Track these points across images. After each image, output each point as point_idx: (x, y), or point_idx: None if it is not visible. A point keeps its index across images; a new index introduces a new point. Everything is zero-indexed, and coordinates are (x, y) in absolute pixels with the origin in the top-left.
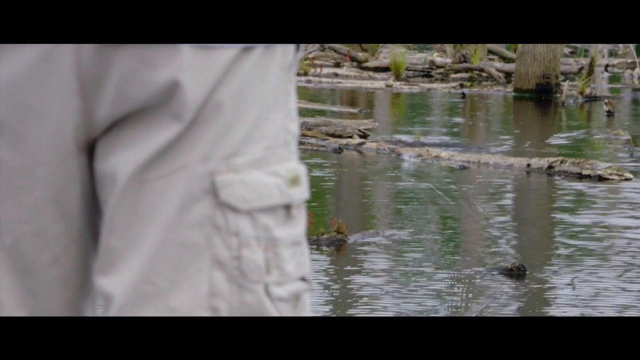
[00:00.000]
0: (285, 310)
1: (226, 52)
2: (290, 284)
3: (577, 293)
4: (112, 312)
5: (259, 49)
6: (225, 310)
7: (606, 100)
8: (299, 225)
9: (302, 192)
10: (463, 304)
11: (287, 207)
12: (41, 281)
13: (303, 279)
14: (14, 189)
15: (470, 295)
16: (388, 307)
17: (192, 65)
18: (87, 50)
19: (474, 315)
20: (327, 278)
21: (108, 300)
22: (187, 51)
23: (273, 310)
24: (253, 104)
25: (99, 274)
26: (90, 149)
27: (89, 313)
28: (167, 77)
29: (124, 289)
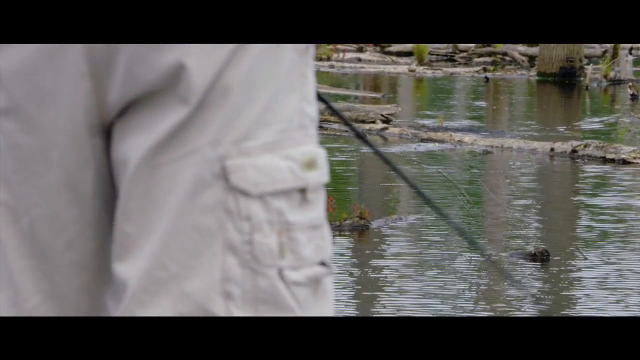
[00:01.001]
0: (302, 295)
1: None
2: (307, 269)
3: (602, 275)
4: (127, 298)
5: None
6: (238, 295)
7: (630, 84)
8: (317, 209)
9: (319, 176)
10: (487, 288)
11: (303, 191)
12: (57, 265)
13: (323, 264)
14: (30, 172)
15: (494, 279)
16: (411, 290)
17: (198, 48)
18: None
19: (495, 298)
20: (351, 263)
21: (124, 286)
22: None
23: (287, 295)
24: (264, 87)
25: (116, 261)
26: (107, 134)
27: (108, 300)
28: (172, 59)
29: (137, 275)
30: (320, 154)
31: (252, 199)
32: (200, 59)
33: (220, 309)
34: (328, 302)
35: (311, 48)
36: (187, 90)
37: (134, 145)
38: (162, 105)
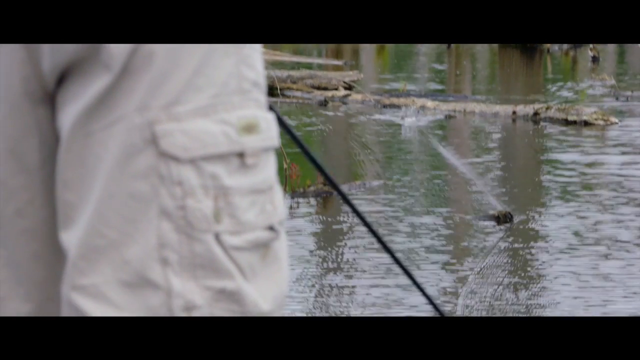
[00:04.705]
0: (246, 260)
1: None
2: (249, 233)
3: (568, 229)
4: (68, 267)
5: None
6: (175, 261)
7: (591, 46)
8: (260, 173)
9: (260, 140)
10: (450, 249)
11: (241, 155)
12: (9, 233)
13: (271, 228)
14: None
15: (458, 241)
16: (373, 258)
17: None
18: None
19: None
20: (315, 229)
21: (68, 255)
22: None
23: (225, 260)
24: (191, 52)
25: (61, 229)
26: (54, 104)
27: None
28: None
29: (76, 243)
30: (264, 118)
31: (182, 164)
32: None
33: (158, 276)
34: (280, 267)
35: None
36: (108, 56)
37: (67, 114)
38: (89, 73)
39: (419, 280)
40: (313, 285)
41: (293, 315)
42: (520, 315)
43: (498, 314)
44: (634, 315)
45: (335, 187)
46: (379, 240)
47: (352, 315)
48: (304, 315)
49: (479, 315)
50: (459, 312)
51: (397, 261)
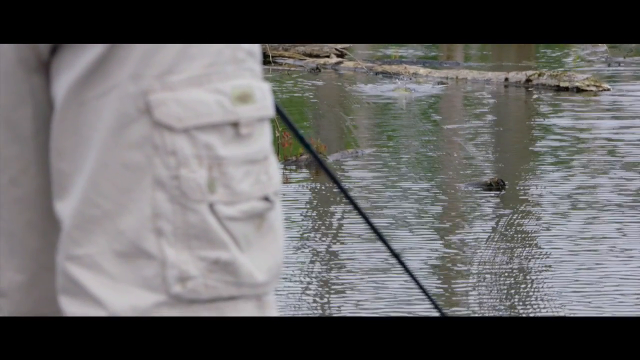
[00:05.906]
0: (240, 230)
1: None
2: (243, 203)
3: (559, 193)
4: (62, 237)
5: None
6: (170, 231)
7: None
8: (255, 143)
9: (254, 110)
10: (443, 216)
11: (235, 125)
12: (3, 202)
13: (266, 199)
14: None
15: (450, 207)
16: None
17: None
18: None
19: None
20: (308, 198)
21: (62, 225)
22: None
23: (220, 230)
24: None
25: (55, 200)
26: (48, 72)
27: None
28: None
29: (71, 213)
30: (259, 88)
31: (176, 134)
32: None
33: (152, 247)
34: (275, 238)
35: None
36: None
37: (61, 82)
38: None
39: (413, 245)
40: (304, 251)
41: (286, 316)
42: (514, 285)
43: (492, 282)
44: (629, 277)
45: (327, 172)
46: (373, 228)
47: (346, 313)
48: (299, 286)
49: (473, 312)
50: (459, 281)
51: (393, 253)
